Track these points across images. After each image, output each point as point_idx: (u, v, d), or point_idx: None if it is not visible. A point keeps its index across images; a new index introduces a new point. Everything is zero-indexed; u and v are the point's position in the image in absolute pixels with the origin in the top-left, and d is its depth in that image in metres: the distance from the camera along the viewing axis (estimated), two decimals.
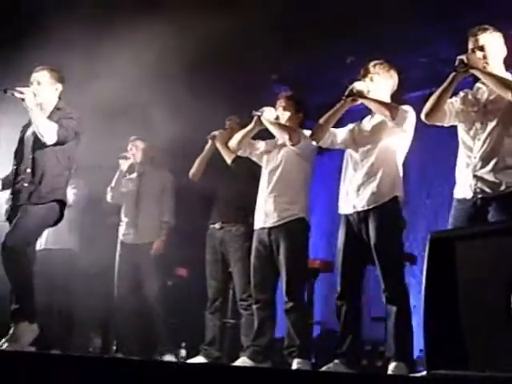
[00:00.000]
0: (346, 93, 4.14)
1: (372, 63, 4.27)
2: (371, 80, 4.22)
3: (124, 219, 5.88)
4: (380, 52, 6.52)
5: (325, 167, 6.21)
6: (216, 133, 5.33)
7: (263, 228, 4.61)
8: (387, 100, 4.23)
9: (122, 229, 5.86)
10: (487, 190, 3.57)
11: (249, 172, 4.99)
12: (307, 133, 4.58)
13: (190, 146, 5.72)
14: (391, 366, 3.87)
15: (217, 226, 5.10)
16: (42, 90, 4.48)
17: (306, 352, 4.40)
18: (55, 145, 4.42)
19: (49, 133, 4.35)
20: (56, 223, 4.53)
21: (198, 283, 5.29)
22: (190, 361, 4.92)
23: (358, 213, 4.10)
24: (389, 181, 4.09)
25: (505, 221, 3.39)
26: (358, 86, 4.15)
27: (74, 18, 5.55)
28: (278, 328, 4.67)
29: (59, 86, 4.57)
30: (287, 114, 4.80)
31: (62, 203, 4.48)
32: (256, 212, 4.69)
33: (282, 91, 7.53)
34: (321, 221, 6.98)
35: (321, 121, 4.26)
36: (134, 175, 6.04)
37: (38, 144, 4.43)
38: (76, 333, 6.05)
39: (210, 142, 5.37)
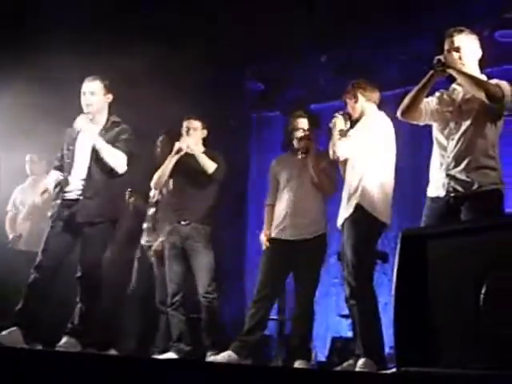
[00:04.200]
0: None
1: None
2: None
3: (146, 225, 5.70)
4: (355, 51, 6.63)
5: None
6: (183, 145, 5.01)
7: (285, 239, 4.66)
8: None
9: (144, 234, 5.68)
10: (460, 188, 3.60)
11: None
12: None
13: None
14: (359, 363, 3.88)
15: (183, 222, 5.04)
16: (95, 101, 4.53)
17: (306, 354, 4.50)
18: None
19: (120, 164, 4.46)
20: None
21: None
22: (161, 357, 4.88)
23: None
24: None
25: (475, 220, 3.42)
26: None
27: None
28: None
29: (110, 96, 4.60)
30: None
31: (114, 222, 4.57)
32: (277, 219, 4.72)
33: (255, 88, 7.63)
34: None
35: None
36: None
37: (98, 163, 4.46)
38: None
39: (175, 153, 5.03)
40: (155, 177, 5.09)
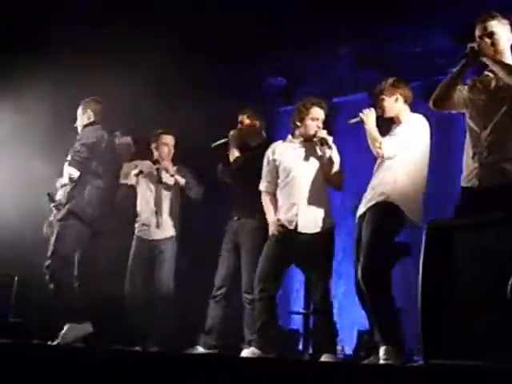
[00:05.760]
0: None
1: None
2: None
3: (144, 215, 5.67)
4: (376, 43, 6.61)
5: None
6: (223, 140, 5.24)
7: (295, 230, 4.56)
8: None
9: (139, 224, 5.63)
10: (493, 178, 3.51)
11: (251, 169, 5.00)
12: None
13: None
14: (381, 352, 3.84)
15: (235, 218, 5.11)
16: (79, 123, 5.26)
17: (331, 348, 4.43)
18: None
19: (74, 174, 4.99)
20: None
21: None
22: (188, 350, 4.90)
23: None
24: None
25: (502, 211, 3.37)
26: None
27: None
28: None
29: (88, 111, 5.23)
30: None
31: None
32: (286, 209, 4.62)
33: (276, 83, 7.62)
34: None
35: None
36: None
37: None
38: None
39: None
40: None
